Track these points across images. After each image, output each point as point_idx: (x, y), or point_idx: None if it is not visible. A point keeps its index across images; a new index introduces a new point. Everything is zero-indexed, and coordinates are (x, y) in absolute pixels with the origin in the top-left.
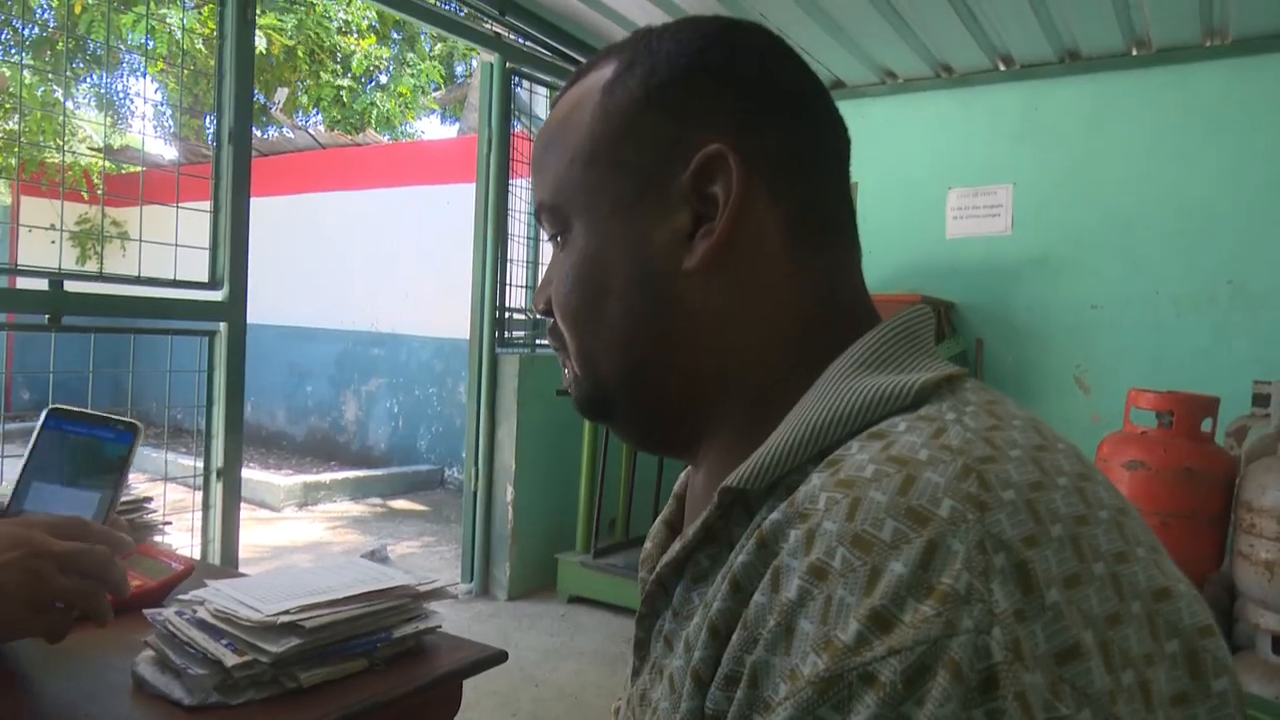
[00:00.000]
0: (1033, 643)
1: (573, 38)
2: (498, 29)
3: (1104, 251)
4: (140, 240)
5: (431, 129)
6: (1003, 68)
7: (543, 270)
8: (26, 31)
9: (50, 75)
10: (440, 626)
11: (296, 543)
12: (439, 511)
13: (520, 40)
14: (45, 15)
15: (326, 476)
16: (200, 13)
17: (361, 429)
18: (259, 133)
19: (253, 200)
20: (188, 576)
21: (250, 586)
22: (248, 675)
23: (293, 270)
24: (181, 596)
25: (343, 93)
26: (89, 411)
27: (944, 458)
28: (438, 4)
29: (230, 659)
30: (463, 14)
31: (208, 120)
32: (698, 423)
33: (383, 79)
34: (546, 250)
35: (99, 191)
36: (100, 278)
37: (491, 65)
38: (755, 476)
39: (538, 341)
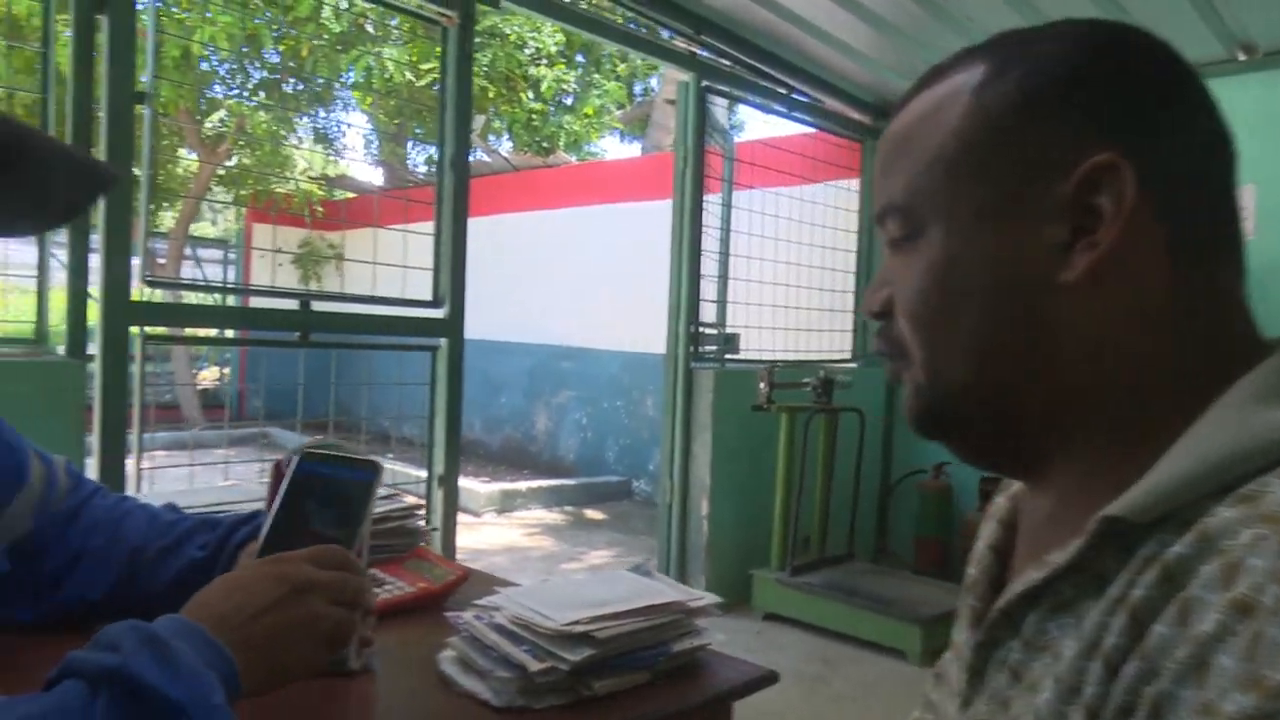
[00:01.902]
0: None
1: (767, 52)
2: (693, 48)
3: None
4: (374, 263)
5: (612, 148)
6: (1243, 57)
7: (735, 285)
8: (256, 76)
9: (278, 113)
10: (710, 644)
11: (495, 546)
12: (626, 522)
13: (712, 57)
14: (273, 59)
15: (522, 484)
16: (410, 49)
17: (552, 439)
18: None
19: (427, 223)
20: (464, 582)
21: (537, 595)
22: (547, 681)
23: (489, 287)
24: (477, 602)
25: (533, 117)
26: (335, 453)
27: None
28: (626, 24)
29: (533, 665)
30: (665, 35)
31: (409, 146)
32: (1051, 444)
33: (568, 101)
34: (737, 265)
35: (319, 215)
36: (341, 297)
37: (688, 84)
38: (1146, 508)
39: (727, 357)
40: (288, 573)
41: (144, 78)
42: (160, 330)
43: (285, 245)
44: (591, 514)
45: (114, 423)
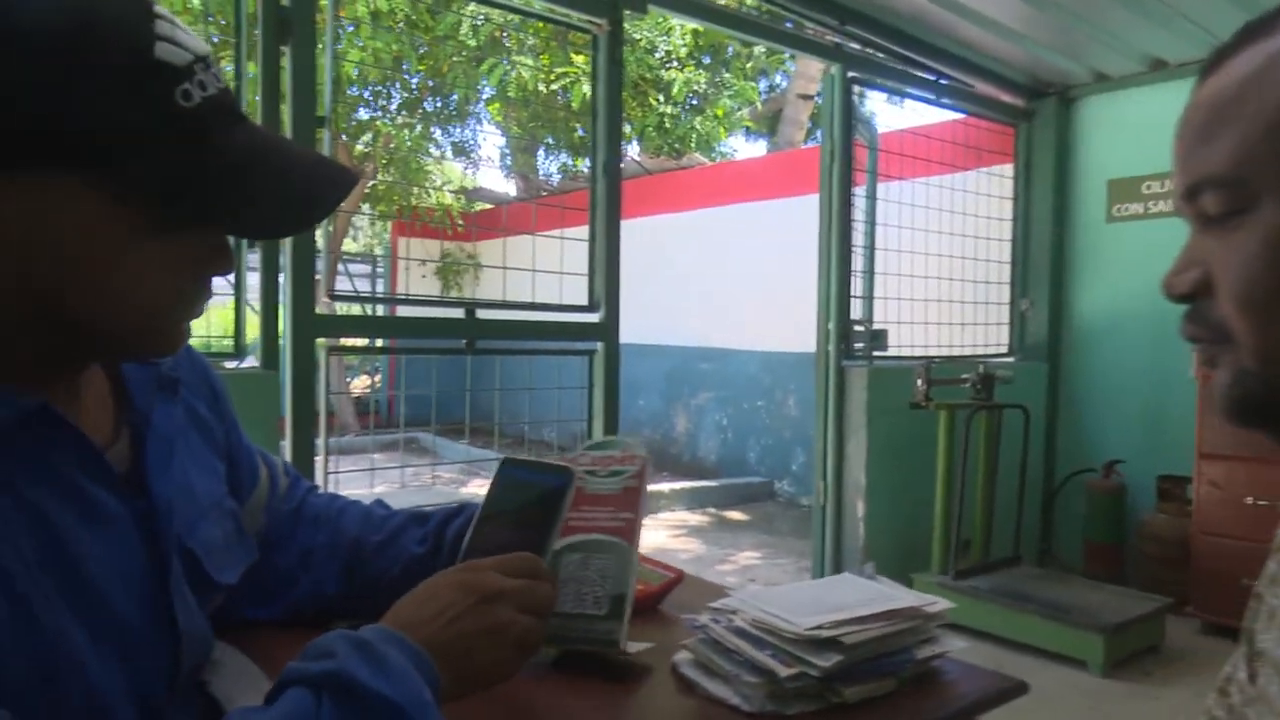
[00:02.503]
0: None
1: (913, 38)
2: (837, 39)
3: None
4: (533, 270)
5: (739, 146)
6: None
7: (885, 280)
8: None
9: (420, 131)
10: (950, 651)
11: (643, 549)
12: (771, 523)
13: (858, 47)
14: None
15: (665, 486)
16: (542, 59)
17: (691, 441)
18: (584, 167)
19: (579, 229)
20: (678, 584)
21: (771, 598)
22: (796, 686)
23: (624, 291)
24: (713, 605)
25: (665, 120)
26: (534, 460)
27: None
28: (769, 20)
29: (782, 670)
30: (807, 29)
31: (539, 155)
32: None
33: (697, 102)
34: (883, 259)
35: (460, 228)
36: (503, 305)
37: (833, 76)
38: None
39: (874, 354)
40: (475, 581)
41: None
42: (340, 341)
43: (428, 257)
44: (734, 515)
45: (304, 428)
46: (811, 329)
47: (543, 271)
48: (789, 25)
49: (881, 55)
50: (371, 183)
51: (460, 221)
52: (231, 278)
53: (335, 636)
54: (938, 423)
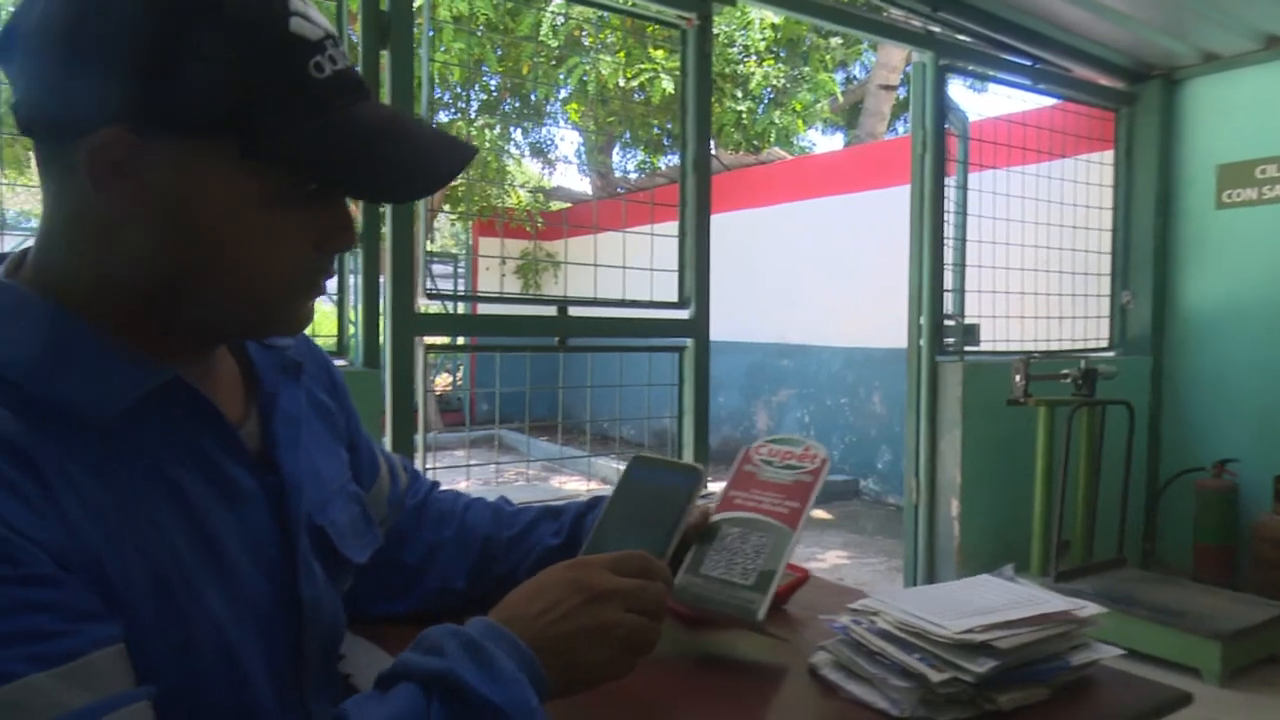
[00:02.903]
0: None
1: (1009, 22)
2: (930, 26)
3: None
4: (624, 267)
5: (817, 140)
6: None
7: (979, 273)
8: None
9: (500, 131)
10: (1104, 659)
11: None
12: (856, 522)
13: (950, 34)
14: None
15: None
16: (620, 58)
17: None
18: (662, 164)
19: (661, 225)
20: (804, 584)
21: (914, 600)
22: (949, 692)
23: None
24: (853, 606)
25: (743, 116)
26: (663, 458)
27: None
28: (858, 8)
29: (934, 675)
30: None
31: (614, 153)
32: None
33: (774, 96)
34: (975, 252)
35: (540, 226)
36: (594, 302)
37: (924, 64)
38: None
39: (966, 349)
40: (585, 579)
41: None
42: (438, 340)
43: (507, 256)
44: (819, 514)
45: (404, 425)
46: (896, 324)
47: (634, 269)
48: (885, 15)
49: (974, 41)
50: (453, 184)
51: (540, 220)
52: (334, 280)
53: (446, 632)
54: (1036, 420)
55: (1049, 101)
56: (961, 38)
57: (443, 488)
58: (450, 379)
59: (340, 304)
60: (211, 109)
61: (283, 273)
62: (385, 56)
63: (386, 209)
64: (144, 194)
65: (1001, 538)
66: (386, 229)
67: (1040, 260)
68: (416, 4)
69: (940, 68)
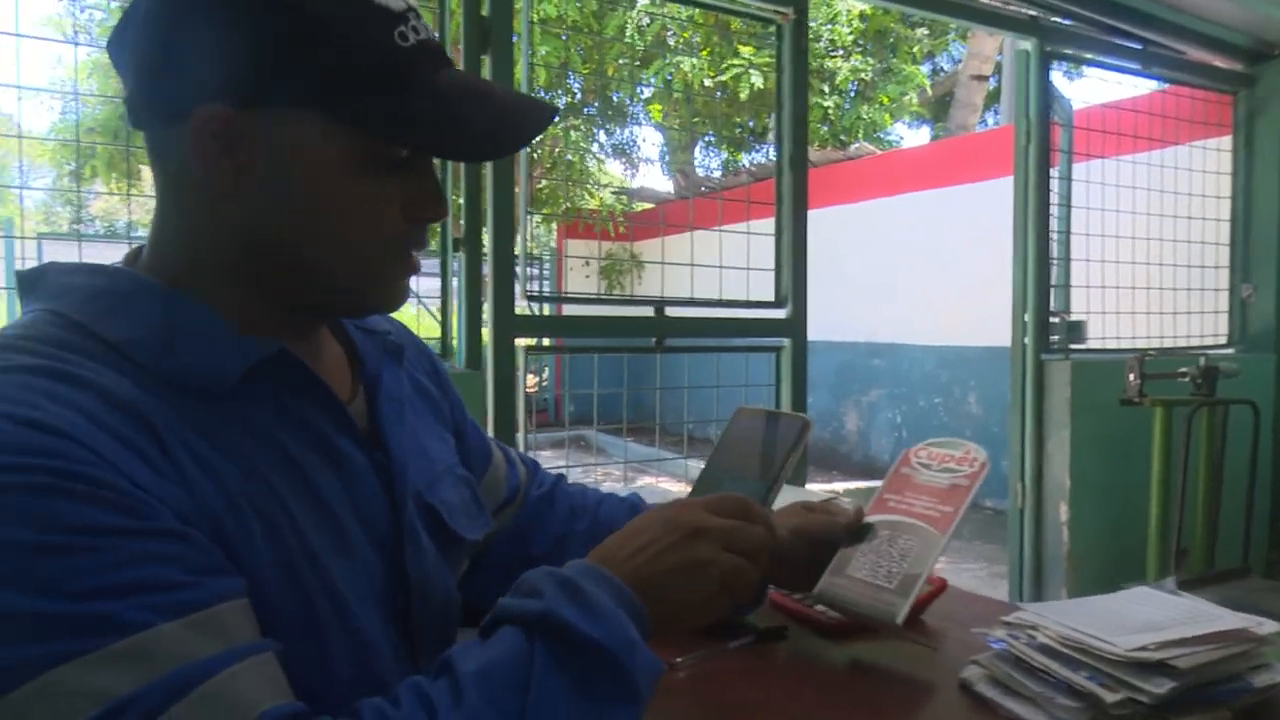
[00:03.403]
0: None
1: (1117, 5)
2: (1034, 12)
3: None
4: (720, 266)
5: (904, 133)
6: None
7: (1087, 267)
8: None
9: (584, 134)
10: None
11: None
12: (957, 527)
13: (1055, 19)
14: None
15: (839, 485)
16: (702, 57)
17: (863, 439)
18: (746, 160)
19: (751, 222)
20: (942, 593)
21: (1075, 614)
22: (1122, 714)
23: None
24: (1008, 619)
25: (829, 111)
26: (770, 409)
27: None
28: None
29: (1107, 696)
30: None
31: (695, 151)
32: None
33: (860, 89)
34: (1080, 245)
35: (624, 226)
36: (691, 302)
37: (1027, 52)
38: None
39: (1071, 347)
40: (680, 518)
41: None
42: (535, 341)
43: (591, 258)
44: None
45: (506, 426)
46: (991, 321)
47: (730, 268)
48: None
49: (1079, 25)
50: (537, 186)
51: (624, 221)
52: (438, 282)
53: (542, 574)
54: (1150, 421)
55: (1154, 86)
56: (1065, 21)
57: (572, 483)
58: (536, 380)
59: (444, 306)
60: (305, 80)
61: (377, 240)
62: (486, 61)
63: (488, 207)
64: (247, 165)
65: (1115, 544)
66: (487, 233)
67: (1150, 253)
68: (516, 6)
69: (1045, 54)
